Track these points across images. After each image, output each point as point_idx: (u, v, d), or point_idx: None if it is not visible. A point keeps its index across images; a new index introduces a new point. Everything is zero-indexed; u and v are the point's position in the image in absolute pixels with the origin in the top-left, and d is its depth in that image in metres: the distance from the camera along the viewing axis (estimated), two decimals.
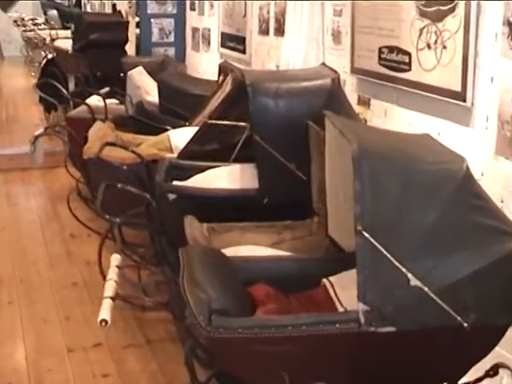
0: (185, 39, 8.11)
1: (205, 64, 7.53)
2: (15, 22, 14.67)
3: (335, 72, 3.44)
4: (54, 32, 9.57)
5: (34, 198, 6.57)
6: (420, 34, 3.60)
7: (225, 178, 3.51)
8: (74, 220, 5.74)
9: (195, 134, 3.94)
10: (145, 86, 6.46)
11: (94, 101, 6.68)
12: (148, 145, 4.12)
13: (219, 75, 5.05)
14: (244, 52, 6.19)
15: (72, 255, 5.06)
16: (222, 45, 6.82)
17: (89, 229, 4.91)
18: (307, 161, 3.17)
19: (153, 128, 4.97)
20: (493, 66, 3.11)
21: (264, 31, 5.76)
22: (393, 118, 4.06)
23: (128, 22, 8.06)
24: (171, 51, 8.08)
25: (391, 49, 3.98)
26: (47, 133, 4.54)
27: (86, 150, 3.88)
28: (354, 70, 4.41)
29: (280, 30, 5.42)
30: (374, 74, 4.16)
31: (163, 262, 3.02)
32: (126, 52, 8.03)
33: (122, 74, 7.93)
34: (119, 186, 3.14)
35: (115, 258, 2.48)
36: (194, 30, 7.75)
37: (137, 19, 8.62)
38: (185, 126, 5.07)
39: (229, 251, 2.91)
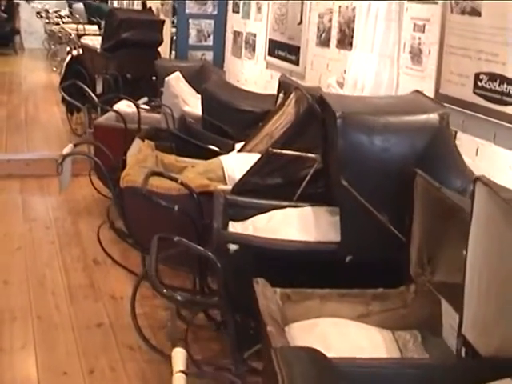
0: (224, 43, 7.56)
1: (247, 72, 6.98)
2: (38, 13, 14.19)
3: (442, 106, 2.86)
4: (81, 27, 9.03)
5: (52, 211, 6.02)
6: None
7: (295, 224, 2.96)
8: (97, 241, 5.25)
9: (255, 165, 3.39)
10: (183, 95, 5.90)
11: (123, 106, 6.16)
12: (197, 173, 3.56)
13: (278, 92, 4.50)
14: (297, 63, 5.63)
15: (96, 287, 4.52)
16: (270, 53, 6.27)
17: (126, 269, 4.35)
18: (405, 214, 2.60)
19: (196, 147, 4.42)
20: None
21: (324, 42, 5.20)
22: (487, 157, 3.49)
23: (163, 22, 7.52)
24: (209, 55, 7.54)
25: (493, 76, 3.40)
26: (77, 152, 3.94)
27: (125, 176, 3.33)
28: (439, 97, 3.83)
29: (344, 43, 4.86)
30: (465, 104, 3.59)
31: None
32: (159, 54, 7.50)
33: (154, 78, 7.45)
34: (176, 239, 2.57)
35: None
36: (236, 35, 7.20)
37: (170, 18, 8.10)
38: (232, 145, 4.54)
39: (307, 324, 2.37)
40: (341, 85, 4.85)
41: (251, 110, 4.88)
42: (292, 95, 3.88)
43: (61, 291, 4.43)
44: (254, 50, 6.76)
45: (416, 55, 4.12)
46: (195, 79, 6.32)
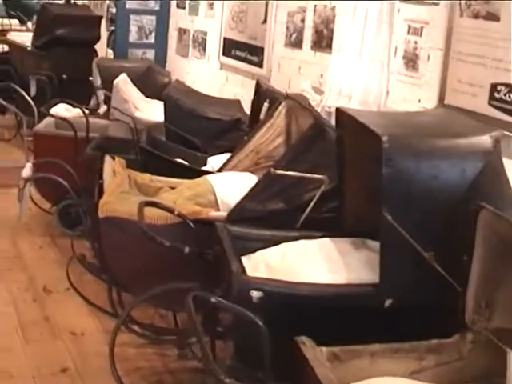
0: (167, 41, 7.09)
1: (195, 73, 6.55)
2: None
3: (490, 126, 2.56)
4: (6, 21, 8.34)
5: None
6: None
7: (317, 262, 2.59)
8: (44, 264, 4.72)
9: (254, 188, 3.01)
10: (133, 100, 5.44)
11: (61, 111, 5.63)
12: (184, 197, 3.14)
13: (254, 99, 4.12)
14: (260, 65, 5.26)
15: (52, 322, 3.99)
16: (225, 53, 5.87)
17: (93, 305, 3.84)
18: (453, 251, 2.28)
19: (163, 161, 3.98)
20: None
21: (294, 43, 4.85)
22: None
23: (101, 18, 6.99)
24: (150, 54, 7.06)
25: None
26: (41, 176, 3.37)
27: (104, 204, 2.87)
28: (445, 108, 3.54)
29: (321, 44, 4.52)
30: (479, 117, 3.31)
31: None
32: (96, 52, 6.97)
33: (90, 78, 6.92)
34: (212, 300, 2.11)
35: None
36: (182, 32, 6.75)
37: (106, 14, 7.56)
38: (203, 159, 4.14)
39: None
40: (317, 90, 4.52)
41: (219, 117, 4.49)
42: (282, 105, 3.52)
43: (11, 329, 3.89)
44: (204, 49, 6.34)
45: (411, 60, 3.83)
46: (141, 81, 5.87)
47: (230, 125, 4.47)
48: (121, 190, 3.08)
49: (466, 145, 2.36)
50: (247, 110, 4.86)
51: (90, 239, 3.23)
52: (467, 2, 3.35)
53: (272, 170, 2.96)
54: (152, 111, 5.40)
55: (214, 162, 4.06)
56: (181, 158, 4.12)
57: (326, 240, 2.77)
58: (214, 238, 2.76)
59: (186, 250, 2.59)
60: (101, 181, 3.08)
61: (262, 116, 3.82)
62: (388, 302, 2.38)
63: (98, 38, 6.83)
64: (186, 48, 6.66)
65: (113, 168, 3.22)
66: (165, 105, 4.50)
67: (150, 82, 6.04)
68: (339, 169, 2.84)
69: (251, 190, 3.00)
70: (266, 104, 3.78)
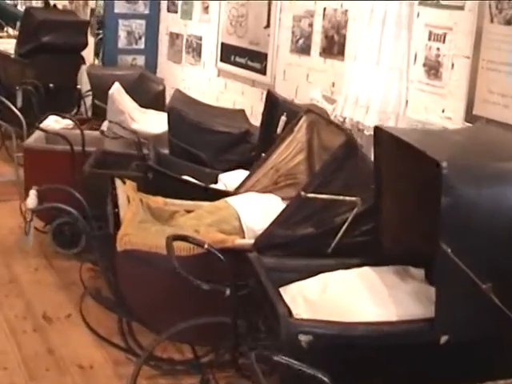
0: (157, 46, 6.87)
1: (189, 79, 6.34)
2: None
3: None
4: None
5: None
6: None
7: (363, 296, 2.40)
8: (41, 288, 4.50)
9: (282, 213, 2.82)
10: (129, 111, 5.21)
11: (51, 123, 5.41)
12: (206, 224, 2.94)
13: (265, 109, 3.92)
14: (264, 72, 5.07)
15: (57, 355, 3.77)
16: (223, 59, 5.66)
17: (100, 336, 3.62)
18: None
19: (171, 179, 3.77)
20: None
21: (302, 49, 4.66)
22: None
23: (89, 23, 6.75)
24: (140, 60, 6.83)
25: None
26: (55, 206, 3.07)
27: (124, 237, 2.66)
28: (473, 119, 3.38)
29: (332, 51, 4.35)
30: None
31: None
32: (83, 59, 6.73)
33: (78, 86, 6.68)
34: (275, 358, 1.91)
35: None
36: (174, 37, 6.53)
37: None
38: (214, 176, 3.94)
39: None
40: (328, 99, 4.35)
41: (227, 130, 4.29)
42: (302, 119, 3.33)
43: (13, 365, 3.66)
44: (199, 54, 6.13)
45: (433, 68, 3.66)
46: (134, 90, 5.63)
47: (238, 138, 4.28)
48: (139, 220, 2.87)
49: None
50: (250, 119, 4.68)
51: (106, 274, 2.99)
52: (498, 6, 3.18)
53: (302, 192, 2.78)
54: (148, 122, 5.19)
55: (226, 179, 3.86)
56: (188, 175, 3.92)
57: (367, 269, 2.59)
58: (245, 270, 2.57)
59: (227, 292, 2.39)
60: (116, 209, 2.86)
61: (279, 130, 3.63)
62: (444, 339, 2.21)
63: (85, 45, 6.59)
64: (179, 54, 6.45)
65: (126, 194, 3.00)
66: (169, 117, 4.28)
67: (143, 90, 5.82)
68: (377, 191, 2.66)
69: (280, 215, 2.82)
70: (283, 118, 3.59)
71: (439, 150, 2.17)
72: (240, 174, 3.93)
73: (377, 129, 2.54)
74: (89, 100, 6.25)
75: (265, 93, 4.98)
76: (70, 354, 3.74)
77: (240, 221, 2.98)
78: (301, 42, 4.64)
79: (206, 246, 2.54)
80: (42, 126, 5.18)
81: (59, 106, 5.96)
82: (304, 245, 2.84)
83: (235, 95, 5.55)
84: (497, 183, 2.14)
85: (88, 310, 3.69)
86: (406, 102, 3.84)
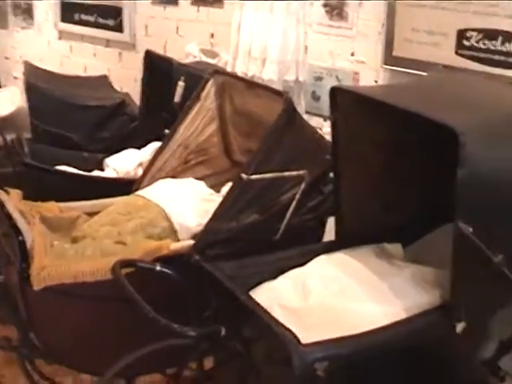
0: None
1: (22, 46, 5.58)
2: None
3: None
4: None
5: None
6: None
7: (357, 293, 2.06)
8: None
9: (223, 202, 2.39)
10: None
11: None
12: (129, 231, 2.44)
13: (145, 71, 3.41)
14: (119, 29, 4.50)
15: None
16: (65, 19, 5.00)
17: None
18: None
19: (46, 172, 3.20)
20: None
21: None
22: None
23: None
24: None
25: (489, 34, 2.75)
26: None
27: (40, 272, 2.10)
28: (394, 62, 3.11)
29: None
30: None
31: None
32: None
33: None
34: None
35: None
36: None
37: None
38: (99, 160, 3.40)
39: None
40: (208, 53, 3.91)
41: (99, 104, 3.74)
42: (210, 84, 2.88)
43: None
44: (30, 16, 5.40)
45: (336, 8, 3.32)
46: None
47: (112, 110, 3.75)
48: (49, 242, 2.33)
49: None
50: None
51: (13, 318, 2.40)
52: None
53: (244, 175, 2.35)
54: None
55: (115, 163, 3.36)
56: (65, 164, 3.36)
57: (342, 256, 2.25)
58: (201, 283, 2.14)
59: (223, 332, 1.95)
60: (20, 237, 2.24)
61: (177, 98, 3.16)
62: (461, 326, 1.92)
63: None
64: (4, 16, 5.67)
65: (17, 207, 2.42)
66: (28, 96, 3.65)
67: None
68: (335, 162, 2.31)
69: (220, 206, 2.38)
70: (180, 83, 3.12)
71: (454, 115, 1.83)
72: (130, 155, 3.44)
73: (334, 90, 2.17)
74: None
75: (123, 53, 4.47)
76: None
77: (169, 220, 2.50)
78: None
79: (158, 269, 2.08)
80: None
81: None
82: (250, 235, 2.45)
83: (85, 59, 4.94)
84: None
85: None
86: (306, 47, 3.49)
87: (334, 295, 2.05)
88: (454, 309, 1.93)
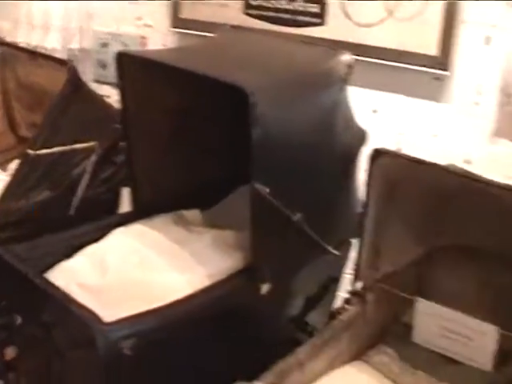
0: None
1: None
2: None
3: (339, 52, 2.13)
4: None
5: None
6: None
7: (157, 263, 2.01)
8: None
9: (11, 182, 2.26)
10: None
11: None
12: None
13: None
14: None
15: None
16: None
17: None
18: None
19: None
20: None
21: None
22: None
23: None
24: None
25: None
26: None
27: None
28: (182, 24, 3.08)
29: None
30: None
31: None
32: None
33: None
34: None
35: None
36: None
37: None
38: None
39: None
40: None
41: None
42: None
43: None
44: None
45: None
46: None
47: None
48: None
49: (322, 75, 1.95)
50: None
51: None
52: None
53: (30, 151, 2.22)
54: None
55: None
56: None
57: (139, 227, 2.18)
58: None
59: (19, 320, 1.80)
60: None
61: None
62: (266, 287, 1.94)
63: None
64: None
65: None
66: None
67: None
68: (125, 132, 2.23)
69: (8, 186, 2.24)
70: None
71: (226, 72, 1.81)
72: None
73: (120, 55, 2.08)
74: None
75: None
76: None
77: None
78: None
79: None
80: None
81: None
82: (43, 213, 2.32)
83: None
84: (298, 102, 1.86)
85: None
86: (91, 14, 3.36)
87: (134, 268, 1.98)
88: (257, 270, 1.94)
